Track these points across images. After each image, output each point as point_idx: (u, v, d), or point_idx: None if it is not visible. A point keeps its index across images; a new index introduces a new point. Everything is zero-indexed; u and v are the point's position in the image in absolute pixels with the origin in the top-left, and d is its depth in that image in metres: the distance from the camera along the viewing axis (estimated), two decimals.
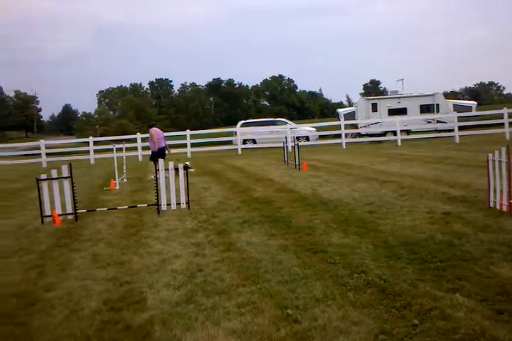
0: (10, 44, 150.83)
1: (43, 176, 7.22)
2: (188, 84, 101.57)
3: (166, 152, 12.61)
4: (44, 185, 7.16)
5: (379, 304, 3.42)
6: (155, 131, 12.40)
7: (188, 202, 7.71)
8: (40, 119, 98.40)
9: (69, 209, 7.24)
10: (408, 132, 23.88)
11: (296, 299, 3.60)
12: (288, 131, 21.52)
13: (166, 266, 4.64)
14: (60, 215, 7.10)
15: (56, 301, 3.88)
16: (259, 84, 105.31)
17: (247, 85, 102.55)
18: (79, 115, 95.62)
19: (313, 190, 8.68)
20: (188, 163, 11.88)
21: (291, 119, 36.40)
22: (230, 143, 23.92)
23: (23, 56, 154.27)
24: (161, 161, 7.70)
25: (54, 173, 7.19)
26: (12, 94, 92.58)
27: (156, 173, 7.58)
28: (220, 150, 22.72)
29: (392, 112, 25.24)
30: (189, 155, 21.04)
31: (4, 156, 22.75)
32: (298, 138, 22.65)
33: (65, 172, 7.20)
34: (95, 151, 21.75)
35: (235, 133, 23.45)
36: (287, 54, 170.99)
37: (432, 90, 26.87)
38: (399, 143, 20.94)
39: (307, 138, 24.92)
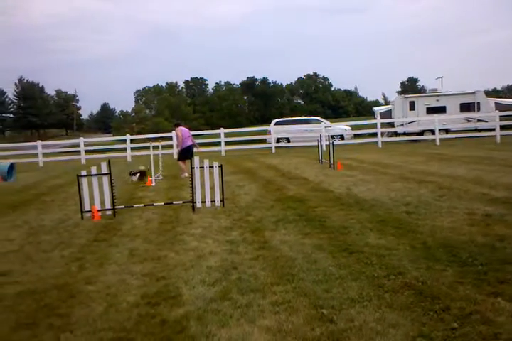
0: (57, 44, 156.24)
1: (83, 172, 7.42)
2: (223, 83, 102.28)
3: (195, 149, 12.78)
4: (84, 181, 7.37)
5: (417, 306, 3.34)
6: (181, 130, 12.58)
7: (222, 200, 7.77)
8: (80, 117, 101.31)
9: (107, 204, 7.43)
10: (447, 131, 23.27)
11: (332, 299, 3.56)
12: (322, 129, 21.37)
13: (201, 263, 4.69)
14: (99, 211, 7.29)
15: (95, 294, 3.99)
16: (293, 82, 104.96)
17: (281, 84, 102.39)
18: (116, 113, 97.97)
19: (348, 190, 8.58)
20: (142, 167, 12.04)
21: (325, 118, 36.05)
22: (263, 141, 23.95)
23: (67, 56, 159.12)
24: (195, 159, 7.77)
25: (93, 170, 7.39)
26: (53, 93, 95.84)
27: (192, 171, 7.65)
28: (253, 148, 22.79)
29: (431, 111, 24.62)
30: (223, 153, 21.20)
31: (46, 153, 23.56)
32: (332, 136, 22.43)
33: (104, 169, 7.38)
34: (132, 149, 22.21)
35: (269, 131, 23.45)
36: (322, 52, 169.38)
37: (473, 88, 26.04)
38: (437, 142, 20.44)
39: (342, 137, 24.66)
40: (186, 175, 11.97)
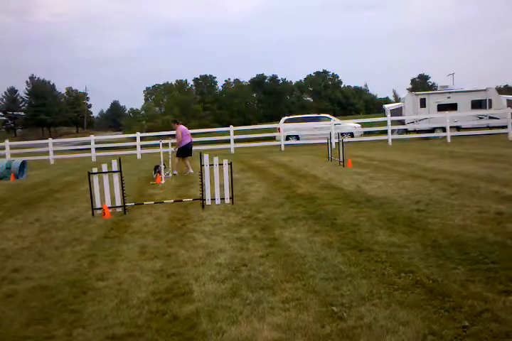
0: (70, 43, 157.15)
1: (94, 170, 7.48)
2: (232, 81, 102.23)
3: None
4: (95, 179, 7.43)
5: (427, 304, 3.33)
6: (180, 128, 12.93)
7: (232, 198, 7.78)
8: (90, 115, 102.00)
9: (118, 202, 7.48)
10: (458, 128, 23.06)
11: (342, 296, 3.56)
12: (332, 127, 21.28)
13: (211, 260, 4.71)
14: (109, 208, 7.34)
15: (107, 290, 4.03)
16: (302, 79, 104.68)
17: (290, 81, 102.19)
18: (126, 111, 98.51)
19: (358, 187, 8.55)
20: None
21: (335, 115, 35.96)
22: (273, 139, 23.93)
23: (81, 55, 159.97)
24: (205, 156, 7.78)
25: (104, 167, 7.44)
26: (64, 91, 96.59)
27: (202, 168, 7.67)
28: (263, 146, 22.78)
29: (442, 108, 24.37)
30: (232, 150, 21.21)
31: (57, 151, 23.74)
32: (342, 134, 22.33)
33: (115, 167, 7.43)
34: (142, 146, 22.31)
35: (278, 129, 23.41)
36: (332, 49, 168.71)
37: (485, 85, 25.74)
38: (448, 139, 20.28)
39: (352, 135, 24.55)
40: (176, 173, 12.48)
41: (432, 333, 2.92)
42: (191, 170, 12.57)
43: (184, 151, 12.80)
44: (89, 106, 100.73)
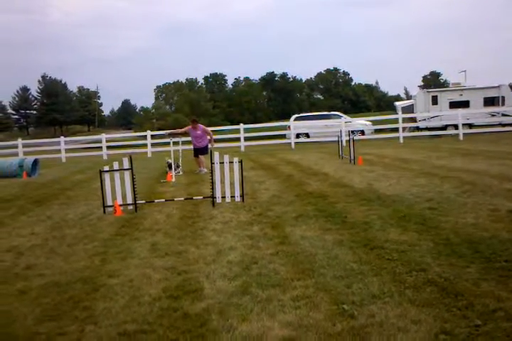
0: (81, 42, 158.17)
1: (106, 168, 7.53)
2: (242, 79, 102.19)
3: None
4: (106, 177, 7.48)
5: (439, 303, 3.30)
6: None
7: (242, 195, 7.79)
8: (101, 114, 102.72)
9: (129, 199, 7.53)
10: (471, 126, 22.83)
11: (352, 295, 3.55)
12: (342, 124, 21.19)
13: (221, 257, 4.72)
14: (120, 205, 7.39)
15: (118, 287, 4.05)
16: (313, 77, 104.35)
17: (300, 79, 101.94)
18: (137, 110, 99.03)
19: (369, 185, 8.51)
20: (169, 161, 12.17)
21: (345, 113, 35.71)
22: (283, 137, 23.90)
23: (92, 54, 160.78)
24: (215, 154, 7.79)
25: (116, 165, 7.49)
26: (75, 90, 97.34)
27: (212, 166, 7.68)
28: (273, 144, 22.76)
29: (454, 105, 24.14)
30: (242, 149, 21.23)
31: (69, 149, 23.96)
32: (353, 131, 22.22)
33: (126, 165, 7.47)
34: (152, 145, 22.40)
35: (289, 127, 23.37)
36: (343, 46, 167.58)
37: (497, 82, 25.38)
38: (461, 137, 20.09)
39: (362, 132, 24.42)
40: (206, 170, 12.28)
41: (444, 332, 2.89)
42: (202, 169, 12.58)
43: (203, 150, 12.76)
44: (101, 104, 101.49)
